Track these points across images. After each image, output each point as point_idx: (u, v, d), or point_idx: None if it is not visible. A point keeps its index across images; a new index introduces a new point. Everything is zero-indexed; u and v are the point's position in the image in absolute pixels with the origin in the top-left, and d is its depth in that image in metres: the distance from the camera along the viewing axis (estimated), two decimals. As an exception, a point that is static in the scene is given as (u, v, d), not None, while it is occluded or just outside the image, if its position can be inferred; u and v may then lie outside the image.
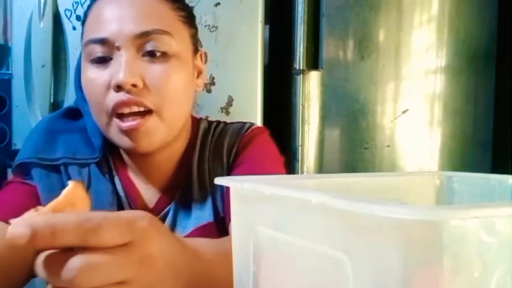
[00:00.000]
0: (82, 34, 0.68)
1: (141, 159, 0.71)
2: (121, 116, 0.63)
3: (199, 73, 0.74)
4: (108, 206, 0.68)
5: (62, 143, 0.71)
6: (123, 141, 0.64)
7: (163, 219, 0.71)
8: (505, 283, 0.26)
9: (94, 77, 0.64)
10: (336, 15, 1.48)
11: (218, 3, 1.37)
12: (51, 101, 1.35)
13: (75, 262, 0.31)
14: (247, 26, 1.34)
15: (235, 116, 1.31)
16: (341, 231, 0.28)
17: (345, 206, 0.26)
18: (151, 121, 0.64)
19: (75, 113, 0.77)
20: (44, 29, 1.32)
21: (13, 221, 0.31)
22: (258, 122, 1.37)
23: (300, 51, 1.45)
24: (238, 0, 1.33)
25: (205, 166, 0.73)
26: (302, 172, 1.44)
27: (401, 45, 1.52)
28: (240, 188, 0.38)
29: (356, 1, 1.48)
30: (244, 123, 0.78)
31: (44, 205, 0.37)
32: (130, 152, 0.70)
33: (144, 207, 0.71)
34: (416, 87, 1.54)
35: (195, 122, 0.77)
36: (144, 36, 0.63)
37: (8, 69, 1.40)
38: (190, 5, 1.40)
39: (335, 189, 0.44)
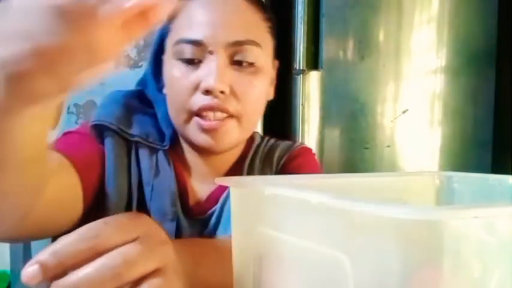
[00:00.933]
0: (168, 30, 0.69)
1: (204, 158, 0.72)
2: (203, 117, 0.65)
3: (272, 82, 0.77)
4: (170, 195, 0.69)
5: (137, 121, 0.72)
6: (201, 139, 0.66)
7: (208, 219, 0.72)
8: (505, 283, 0.26)
9: (180, 75, 0.66)
10: (336, 15, 1.48)
11: (218, 3, 1.37)
12: (51, 101, 1.36)
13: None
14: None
15: (235, 116, 1.31)
16: (341, 231, 0.28)
17: (345, 206, 0.26)
18: (230, 124, 0.66)
19: (143, 97, 0.77)
20: (44, 29, 1.32)
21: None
22: (258, 122, 1.36)
23: (300, 51, 1.45)
24: (238, 0, 1.33)
25: (254, 174, 0.76)
26: (302, 172, 1.44)
27: (401, 45, 1.52)
28: (240, 188, 0.38)
29: (356, 1, 1.48)
30: (295, 141, 0.84)
31: None
32: (200, 150, 0.71)
33: (196, 202, 0.73)
34: (416, 87, 1.54)
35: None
36: (237, 45, 0.65)
37: (8, 69, 1.40)
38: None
39: (335, 189, 0.44)
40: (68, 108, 1.35)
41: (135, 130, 0.71)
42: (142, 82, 0.80)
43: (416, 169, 1.55)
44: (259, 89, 0.69)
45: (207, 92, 0.64)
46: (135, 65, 1.37)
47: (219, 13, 0.66)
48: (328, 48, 1.48)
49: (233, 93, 0.65)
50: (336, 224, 0.29)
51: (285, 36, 1.52)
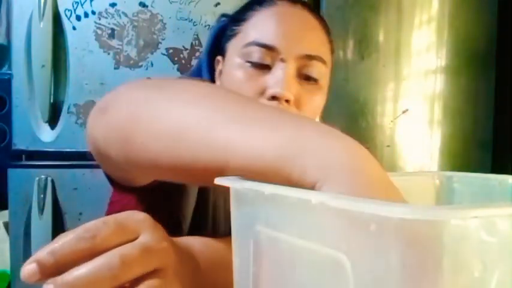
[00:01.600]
0: (234, 33, 0.70)
1: None
2: None
3: None
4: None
5: None
6: None
7: None
8: (505, 283, 0.26)
9: (246, 77, 0.66)
10: (336, 15, 1.48)
11: (218, 3, 1.37)
12: (51, 101, 1.35)
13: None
14: (247, 26, 1.34)
15: (235, 116, 1.31)
16: (341, 231, 0.28)
17: (345, 206, 0.26)
18: None
19: None
20: (44, 29, 1.32)
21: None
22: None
23: (300, 51, 1.45)
24: (238, 0, 1.33)
25: None
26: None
27: (401, 45, 1.52)
28: (240, 188, 0.38)
29: (356, 1, 1.48)
30: None
31: None
32: None
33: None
34: (416, 87, 1.54)
35: None
36: (308, 59, 0.66)
37: (8, 69, 1.40)
38: (190, 4, 1.40)
39: (335, 189, 0.43)
40: (68, 108, 1.35)
41: None
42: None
43: (416, 169, 1.55)
44: (317, 106, 0.71)
45: (274, 98, 0.64)
46: (135, 65, 1.37)
47: (295, 25, 0.67)
48: (328, 48, 1.48)
49: (296, 104, 0.66)
50: (336, 224, 0.28)
51: (285, 36, 1.52)
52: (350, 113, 1.49)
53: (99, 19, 1.35)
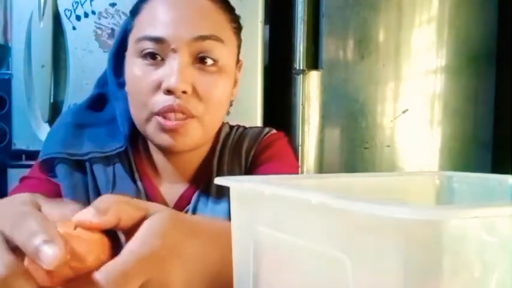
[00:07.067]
0: (131, 27, 0.68)
1: (168, 157, 0.71)
2: (164, 117, 0.63)
3: (235, 82, 0.75)
4: None
5: (88, 137, 0.71)
6: (161, 138, 0.64)
7: None
8: (505, 283, 0.26)
9: (142, 74, 0.64)
10: (336, 15, 1.48)
11: (218, 3, 1.37)
12: (51, 101, 1.35)
13: None
14: (247, 26, 1.33)
15: (236, 116, 1.30)
16: (341, 231, 0.28)
17: (345, 206, 0.26)
18: (191, 124, 0.64)
19: (99, 103, 0.76)
20: (44, 29, 1.32)
21: None
22: (258, 122, 1.37)
23: (300, 51, 1.45)
24: (238, 0, 1.33)
25: (224, 168, 0.74)
26: (302, 172, 1.44)
27: (401, 45, 1.51)
28: (240, 188, 0.38)
29: (356, 1, 1.48)
30: (264, 128, 0.79)
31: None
32: (162, 150, 0.70)
33: (167, 203, 0.72)
34: (416, 87, 1.54)
35: None
36: (200, 40, 0.64)
37: (8, 69, 1.40)
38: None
39: (335, 189, 0.44)
40: (68, 108, 1.35)
41: (87, 147, 0.70)
42: (101, 81, 0.78)
43: (416, 169, 1.55)
44: (223, 90, 0.67)
45: (169, 92, 0.62)
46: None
47: (182, 11, 0.65)
48: (328, 48, 1.48)
49: (195, 93, 0.64)
50: (336, 224, 0.28)
51: (285, 36, 1.52)
52: (350, 113, 1.49)
53: (99, 19, 1.35)
